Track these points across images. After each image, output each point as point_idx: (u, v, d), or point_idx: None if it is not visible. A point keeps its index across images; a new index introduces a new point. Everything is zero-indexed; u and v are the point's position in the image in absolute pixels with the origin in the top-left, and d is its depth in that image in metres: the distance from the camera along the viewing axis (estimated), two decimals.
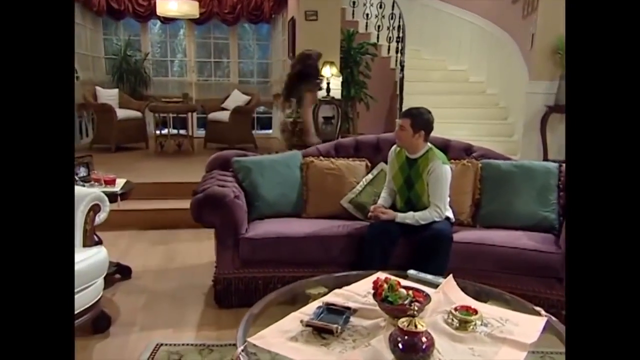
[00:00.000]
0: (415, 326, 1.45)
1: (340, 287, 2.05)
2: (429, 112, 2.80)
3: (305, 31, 6.00)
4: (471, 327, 1.69)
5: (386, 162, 3.20)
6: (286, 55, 7.27)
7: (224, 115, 6.92)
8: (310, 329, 1.68)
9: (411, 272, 2.20)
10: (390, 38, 6.93)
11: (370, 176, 3.27)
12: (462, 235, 2.77)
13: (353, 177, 3.26)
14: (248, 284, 2.86)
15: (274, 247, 2.83)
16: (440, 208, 2.74)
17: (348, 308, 1.78)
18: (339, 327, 1.64)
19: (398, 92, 6.43)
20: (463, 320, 1.68)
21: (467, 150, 3.30)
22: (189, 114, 7.02)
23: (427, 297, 1.76)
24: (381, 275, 2.17)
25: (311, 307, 1.86)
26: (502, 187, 3.04)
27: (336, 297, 1.97)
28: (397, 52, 6.76)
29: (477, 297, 2.00)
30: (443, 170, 2.74)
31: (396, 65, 6.82)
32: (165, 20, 8.20)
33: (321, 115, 6.07)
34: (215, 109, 7.25)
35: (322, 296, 2.06)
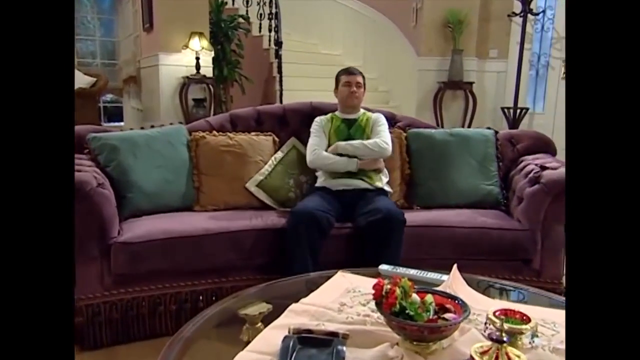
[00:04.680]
0: None
1: (295, 300, 1.34)
2: None
3: None
4: (521, 340, 1.12)
5: (298, 137, 2.63)
6: (140, 30, 6.14)
7: None
8: None
9: (384, 267, 1.58)
10: (261, 15, 6.26)
11: (280, 154, 2.59)
12: (408, 218, 2.23)
13: (258, 155, 2.54)
14: (126, 309, 1.98)
15: (163, 252, 2.00)
16: (388, 143, 2.43)
17: (335, 334, 1.09)
18: None
19: (276, 74, 5.80)
20: (513, 331, 1.11)
21: (390, 120, 2.79)
22: None
23: (463, 306, 1.12)
24: (343, 276, 1.52)
25: (268, 339, 1.12)
26: (438, 160, 2.58)
27: (297, 316, 1.26)
28: (270, 30, 6.12)
29: (480, 291, 1.47)
30: (385, 120, 2.55)
31: (269, 45, 6.18)
32: None
33: (191, 96, 5.18)
34: None
35: (263, 317, 1.34)
